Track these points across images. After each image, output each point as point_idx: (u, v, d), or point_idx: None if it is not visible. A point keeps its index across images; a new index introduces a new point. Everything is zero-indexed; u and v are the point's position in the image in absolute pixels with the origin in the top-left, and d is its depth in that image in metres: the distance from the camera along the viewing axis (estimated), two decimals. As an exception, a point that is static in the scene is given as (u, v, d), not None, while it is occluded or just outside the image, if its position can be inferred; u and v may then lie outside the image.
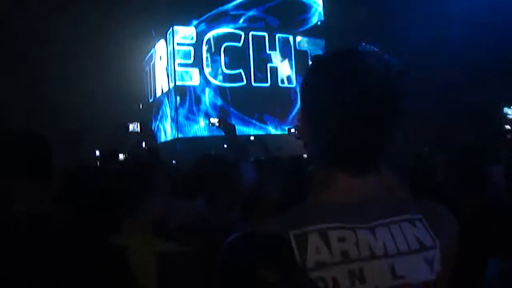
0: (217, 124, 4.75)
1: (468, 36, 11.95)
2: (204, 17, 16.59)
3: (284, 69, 17.37)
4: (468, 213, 2.35)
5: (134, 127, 4.99)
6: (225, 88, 16.69)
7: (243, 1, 16.97)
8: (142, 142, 5.85)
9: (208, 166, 3.35)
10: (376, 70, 1.08)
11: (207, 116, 15.48)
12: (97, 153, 8.35)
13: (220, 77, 16.73)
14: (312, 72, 1.16)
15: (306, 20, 17.92)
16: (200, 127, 16.13)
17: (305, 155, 4.56)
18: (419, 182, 3.56)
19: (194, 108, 16.29)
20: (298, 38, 17.70)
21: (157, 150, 4.79)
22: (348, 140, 1.09)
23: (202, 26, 16.67)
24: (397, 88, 1.11)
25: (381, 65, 1.10)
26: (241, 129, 15.14)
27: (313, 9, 18.01)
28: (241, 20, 17.13)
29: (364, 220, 1.08)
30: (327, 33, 17.23)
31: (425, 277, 1.08)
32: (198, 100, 16.40)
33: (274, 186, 3.64)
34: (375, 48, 1.14)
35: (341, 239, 1.06)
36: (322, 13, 17.97)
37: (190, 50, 16.55)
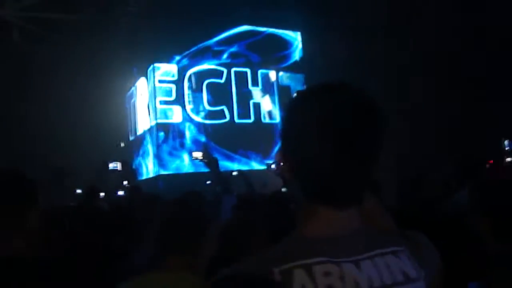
0: (200, 158, 4.75)
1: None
2: (186, 52, 16.65)
3: (266, 104, 17.48)
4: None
5: (115, 165, 4.98)
6: (207, 124, 16.69)
7: (224, 37, 17.07)
8: (123, 180, 5.84)
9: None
10: (355, 105, 1.11)
11: (191, 152, 15.44)
12: (78, 191, 8.30)
13: (203, 114, 16.72)
14: (291, 108, 1.17)
15: (287, 56, 18.11)
16: (184, 163, 16.00)
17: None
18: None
19: (177, 145, 16.19)
20: (280, 74, 17.85)
21: (139, 188, 4.78)
22: (329, 176, 1.10)
23: (184, 62, 16.72)
24: (376, 123, 1.12)
25: (360, 101, 1.13)
26: (225, 165, 15.07)
27: (294, 46, 18.24)
28: (224, 56, 17.22)
29: (349, 254, 1.09)
30: (307, 69, 17.45)
31: None
32: (181, 137, 16.33)
33: (256, 221, 3.64)
34: (352, 84, 1.16)
35: (326, 274, 1.06)
36: (301, 49, 18.15)
37: (171, 88, 16.53)
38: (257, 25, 17.21)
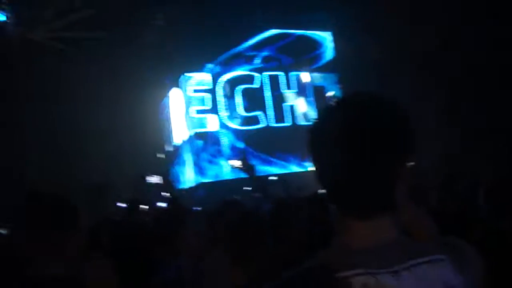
0: (238, 166, 4.74)
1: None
2: (218, 60, 16.77)
3: (301, 106, 17.45)
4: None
5: (154, 178, 5.01)
6: (244, 131, 16.76)
7: (255, 42, 17.12)
8: (162, 192, 5.87)
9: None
10: (380, 117, 1.12)
11: (229, 159, 15.55)
12: (119, 205, 8.42)
13: (238, 121, 16.79)
14: (315, 120, 1.23)
15: (319, 57, 18.08)
16: (222, 171, 16.02)
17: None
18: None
19: (215, 152, 16.31)
20: (313, 75, 17.81)
21: (179, 199, 4.78)
22: (347, 186, 1.13)
23: (216, 69, 16.85)
24: (399, 129, 1.14)
25: (385, 112, 1.14)
26: (264, 169, 15.13)
27: (325, 45, 18.18)
28: (255, 61, 17.30)
29: (386, 265, 1.09)
30: (340, 68, 17.40)
31: None
32: (218, 144, 16.44)
33: (295, 226, 3.60)
34: (380, 95, 1.17)
35: (364, 286, 1.06)
36: (334, 49, 18.07)
37: (205, 96, 16.71)
38: (286, 28, 17.19)
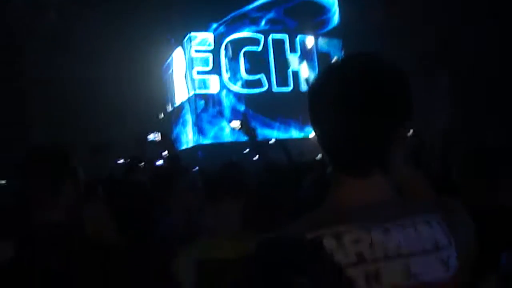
0: (238, 127, 4.76)
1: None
2: (223, 20, 16.59)
3: (304, 71, 17.29)
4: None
5: (154, 136, 5.03)
6: (246, 94, 16.70)
7: (261, 3, 16.93)
8: (162, 151, 5.89)
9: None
10: (380, 79, 1.13)
11: (230, 121, 15.52)
12: (120, 161, 8.49)
13: (240, 83, 16.71)
14: (312, 83, 1.22)
15: (325, 21, 17.86)
16: (223, 132, 16.15)
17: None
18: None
19: (216, 114, 16.34)
20: (318, 40, 17.61)
21: (178, 157, 4.81)
22: (344, 144, 1.14)
23: (221, 29, 16.68)
24: (398, 91, 1.15)
25: (385, 73, 1.15)
26: (264, 132, 15.13)
27: (332, 11, 17.97)
28: (261, 23, 17.12)
29: (378, 221, 1.11)
30: (344, 34, 17.22)
31: (440, 276, 1.10)
32: (219, 106, 16.45)
33: (292, 191, 3.66)
34: (381, 57, 1.19)
35: (356, 241, 1.08)
36: (339, 14, 17.90)
37: (208, 57, 16.52)
38: None
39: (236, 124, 4.88)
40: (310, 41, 17.42)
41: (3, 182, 7.38)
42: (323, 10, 17.85)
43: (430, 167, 4.05)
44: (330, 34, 17.79)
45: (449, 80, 13.09)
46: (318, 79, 1.21)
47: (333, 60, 1.27)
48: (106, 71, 15.34)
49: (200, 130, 16.05)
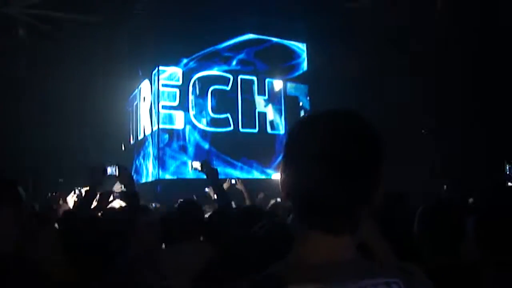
0: (199, 168, 4.73)
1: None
2: (194, 56, 16.55)
3: (270, 114, 17.46)
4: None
5: (112, 170, 4.92)
6: (211, 132, 16.61)
7: (232, 43, 17.01)
8: (120, 185, 5.80)
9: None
10: (357, 133, 1.15)
11: (192, 158, 15.48)
12: (76, 192, 8.35)
13: (206, 121, 16.63)
14: (297, 126, 1.21)
15: (295, 67, 18.02)
16: (184, 168, 15.87)
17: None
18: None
19: (179, 149, 16.15)
20: (286, 84, 17.77)
21: (136, 195, 4.73)
22: (322, 198, 1.13)
23: (191, 65, 16.62)
24: (376, 152, 1.16)
25: (362, 129, 1.16)
26: (226, 171, 15.10)
27: (302, 56, 18.17)
28: (231, 63, 17.14)
29: (341, 282, 1.10)
30: (312, 80, 17.52)
31: None
32: (183, 141, 16.26)
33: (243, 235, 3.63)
34: (358, 112, 1.19)
35: None
36: (307, 60, 18.12)
37: (175, 92, 16.42)
38: (264, 34, 17.15)
39: (197, 165, 4.85)
40: (278, 84, 17.60)
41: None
42: (293, 55, 18.03)
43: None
44: (300, 80, 17.98)
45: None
46: (301, 128, 1.20)
47: (315, 111, 1.26)
48: (70, 95, 15.20)
49: (161, 164, 15.82)
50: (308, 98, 17.67)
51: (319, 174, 1.11)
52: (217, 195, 4.67)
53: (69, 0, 13.79)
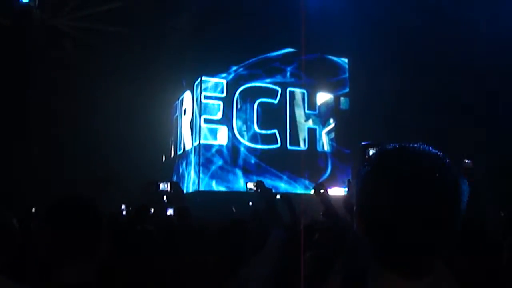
0: (254, 188, 4.87)
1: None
2: (239, 65, 16.51)
3: (318, 130, 17.36)
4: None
5: (164, 186, 5.16)
6: (256, 148, 16.43)
7: (278, 55, 16.96)
8: (171, 199, 6.02)
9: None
10: (436, 175, 1.11)
11: (235, 173, 15.66)
12: (123, 206, 8.65)
13: (251, 137, 16.43)
14: (372, 169, 1.19)
15: (343, 81, 17.90)
16: (230, 182, 15.98)
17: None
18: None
19: (223, 164, 16.09)
20: (336, 99, 17.67)
21: (188, 210, 4.95)
22: (402, 243, 1.11)
23: (236, 76, 16.52)
24: (456, 193, 1.13)
25: (441, 170, 1.13)
26: (269, 183, 15.01)
27: (347, 72, 18.02)
28: (280, 75, 16.99)
29: None
30: (353, 95, 17.56)
31: None
32: (227, 157, 16.15)
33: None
34: (433, 150, 1.18)
35: None
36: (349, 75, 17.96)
37: (219, 105, 16.29)
38: (307, 48, 16.94)
39: (251, 185, 4.99)
40: (329, 99, 17.54)
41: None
42: (340, 71, 17.93)
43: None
44: (346, 94, 17.88)
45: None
46: (377, 167, 1.18)
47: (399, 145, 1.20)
48: (112, 109, 15.50)
49: (201, 179, 15.85)
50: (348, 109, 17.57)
51: (398, 218, 1.09)
52: (268, 214, 4.78)
53: (113, 13, 14.12)
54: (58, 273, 1.71)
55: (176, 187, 5.08)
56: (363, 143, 4.30)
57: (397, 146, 1.20)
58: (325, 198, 4.44)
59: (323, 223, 5.17)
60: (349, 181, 4.97)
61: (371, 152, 4.24)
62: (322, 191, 4.47)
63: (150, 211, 5.17)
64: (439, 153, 1.17)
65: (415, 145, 1.19)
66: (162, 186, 5.16)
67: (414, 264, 1.13)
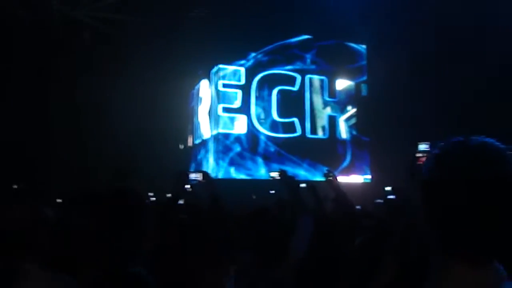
0: (278, 177, 5.03)
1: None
2: (257, 52, 16.49)
3: (341, 118, 17.43)
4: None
5: (196, 176, 5.34)
6: (275, 137, 16.44)
7: (297, 42, 16.92)
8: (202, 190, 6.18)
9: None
10: (499, 165, 1.14)
11: (260, 159, 15.80)
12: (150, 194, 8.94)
13: (271, 125, 16.45)
14: (437, 167, 1.20)
15: (362, 68, 17.90)
16: (250, 170, 16.08)
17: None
18: None
19: (241, 152, 16.18)
20: (356, 85, 17.67)
21: (220, 200, 5.14)
22: (475, 228, 1.13)
23: (254, 63, 16.50)
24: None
25: (503, 160, 1.15)
26: (289, 171, 14.85)
27: (364, 59, 18.00)
28: (296, 62, 16.94)
29: None
30: (370, 82, 17.58)
31: None
32: (246, 145, 16.22)
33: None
34: (493, 141, 1.19)
35: None
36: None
37: (236, 93, 16.26)
38: (325, 34, 16.89)
39: (275, 174, 5.18)
40: (350, 86, 17.56)
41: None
42: (358, 57, 17.93)
43: None
44: (366, 82, 17.85)
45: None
46: (448, 158, 1.19)
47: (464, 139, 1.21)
48: (131, 96, 15.66)
49: (220, 165, 15.97)
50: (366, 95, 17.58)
51: (469, 202, 1.12)
52: (294, 203, 4.92)
53: (131, 3, 14.23)
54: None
55: (208, 176, 5.25)
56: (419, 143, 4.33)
57: (462, 140, 1.21)
58: (335, 185, 4.60)
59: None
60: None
61: (423, 146, 4.30)
62: (331, 177, 4.52)
63: (178, 200, 5.36)
64: (501, 145, 1.18)
65: (478, 138, 1.20)
66: (193, 175, 5.33)
67: (485, 255, 1.15)
